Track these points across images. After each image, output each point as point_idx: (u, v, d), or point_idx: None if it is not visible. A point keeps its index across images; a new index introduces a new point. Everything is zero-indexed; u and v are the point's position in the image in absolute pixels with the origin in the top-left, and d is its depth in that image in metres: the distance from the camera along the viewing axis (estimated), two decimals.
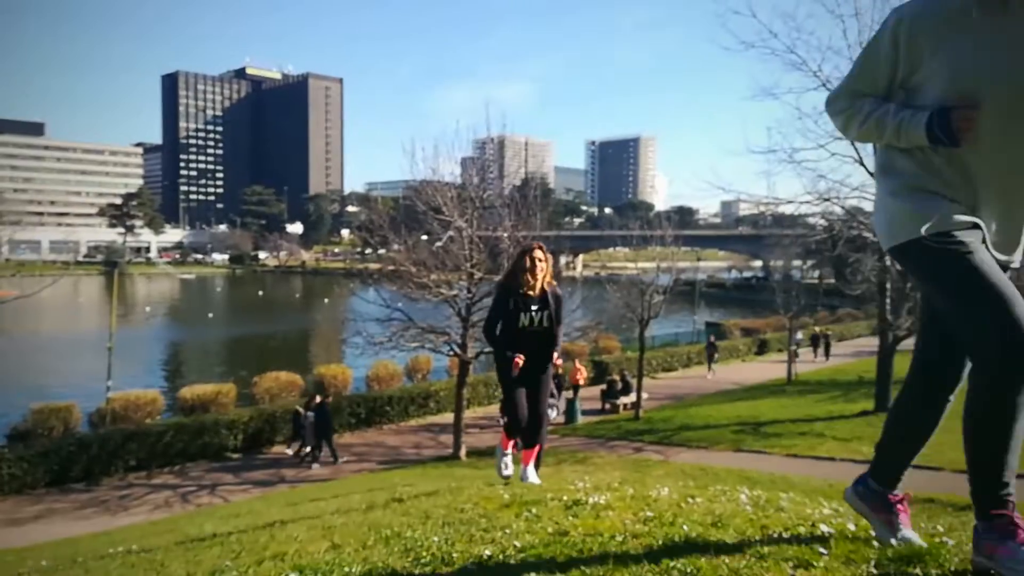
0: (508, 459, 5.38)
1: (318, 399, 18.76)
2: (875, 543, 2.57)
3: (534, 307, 5.12)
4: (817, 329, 37.72)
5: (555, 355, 5.24)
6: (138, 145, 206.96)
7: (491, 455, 17.95)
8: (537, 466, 5.65)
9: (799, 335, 29.70)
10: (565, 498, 4.06)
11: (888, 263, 19.83)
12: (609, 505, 3.75)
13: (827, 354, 35.18)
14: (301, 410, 18.67)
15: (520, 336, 5.12)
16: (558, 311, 5.24)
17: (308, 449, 18.33)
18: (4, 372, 31.26)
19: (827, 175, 20.67)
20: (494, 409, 21.62)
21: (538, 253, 5.17)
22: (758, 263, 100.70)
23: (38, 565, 7.26)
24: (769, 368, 32.01)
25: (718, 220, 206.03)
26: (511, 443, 5.43)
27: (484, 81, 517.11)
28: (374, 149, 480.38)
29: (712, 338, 33.69)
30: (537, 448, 5.46)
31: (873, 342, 25.79)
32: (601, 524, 3.29)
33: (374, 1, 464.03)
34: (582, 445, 17.80)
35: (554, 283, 5.31)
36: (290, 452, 18.97)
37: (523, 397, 5.17)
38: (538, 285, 5.14)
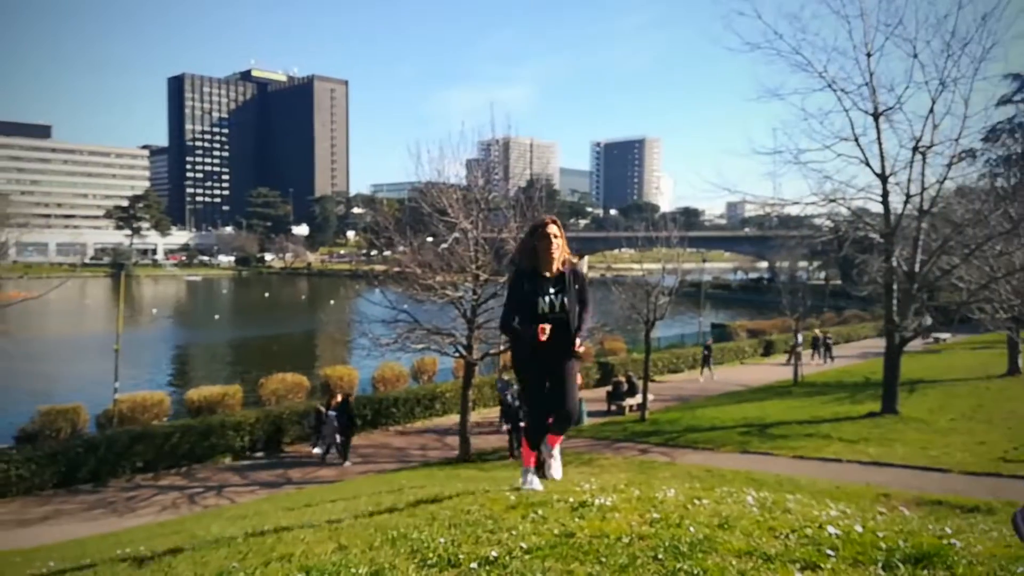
0: (532, 475, 4.89)
1: (339, 397, 18.92)
2: (882, 544, 2.56)
3: (553, 290, 4.60)
4: (818, 332, 37.23)
5: (578, 341, 4.57)
6: (144, 147, 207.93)
7: (497, 457, 17.92)
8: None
9: (799, 337, 29.52)
10: (571, 500, 4.05)
11: (895, 264, 19.79)
12: (615, 507, 3.75)
13: (825, 357, 34.49)
14: (322, 409, 18.72)
15: (541, 323, 4.57)
16: (582, 290, 4.69)
17: (321, 450, 18.41)
18: (12, 374, 31.38)
19: (833, 176, 20.54)
20: (498, 412, 21.57)
21: (552, 228, 4.63)
22: (763, 264, 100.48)
23: (46, 566, 7.28)
24: (775, 370, 31.92)
25: (724, 221, 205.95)
26: (534, 457, 4.90)
27: (489, 82, 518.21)
28: (379, 151, 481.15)
29: (709, 340, 33.49)
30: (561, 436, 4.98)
31: (880, 343, 25.68)
32: (607, 526, 3.29)
33: (379, 2, 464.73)
34: (588, 447, 17.75)
35: (574, 259, 4.79)
36: (317, 452, 18.82)
37: (546, 396, 4.69)
38: (555, 264, 4.64)
